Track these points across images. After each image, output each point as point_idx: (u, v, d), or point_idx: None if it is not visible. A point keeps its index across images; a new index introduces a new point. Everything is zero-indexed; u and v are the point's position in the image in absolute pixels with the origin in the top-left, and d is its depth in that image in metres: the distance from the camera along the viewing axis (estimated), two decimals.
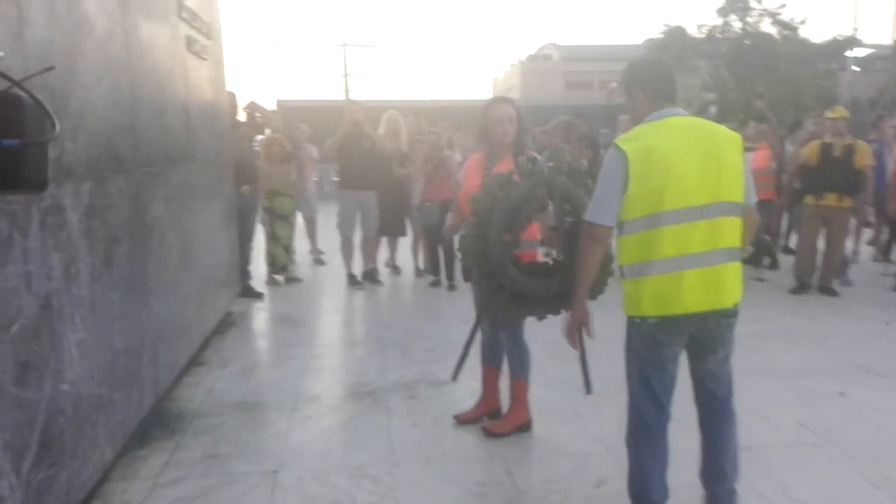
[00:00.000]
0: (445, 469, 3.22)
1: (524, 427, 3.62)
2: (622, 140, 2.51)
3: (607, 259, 3.20)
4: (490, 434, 3.57)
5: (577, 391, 4.08)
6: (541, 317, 3.41)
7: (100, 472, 2.96)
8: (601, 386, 4.22)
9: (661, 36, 33.77)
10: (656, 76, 2.61)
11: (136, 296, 3.48)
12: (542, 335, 5.21)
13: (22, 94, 1.44)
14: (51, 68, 1.94)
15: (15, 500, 2.22)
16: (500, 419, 3.70)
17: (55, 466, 2.51)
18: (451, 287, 6.96)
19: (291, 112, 12.37)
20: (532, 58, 50.64)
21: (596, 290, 3.33)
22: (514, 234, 3.18)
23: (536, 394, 4.03)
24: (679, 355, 2.62)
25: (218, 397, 4.12)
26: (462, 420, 3.74)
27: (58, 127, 1.40)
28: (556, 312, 3.36)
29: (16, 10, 2.32)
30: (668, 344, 2.56)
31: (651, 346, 2.58)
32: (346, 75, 35.01)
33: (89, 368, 2.87)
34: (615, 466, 3.20)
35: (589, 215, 2.57)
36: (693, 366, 2.70)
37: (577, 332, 2.95)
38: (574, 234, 2.98)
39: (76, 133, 2.82)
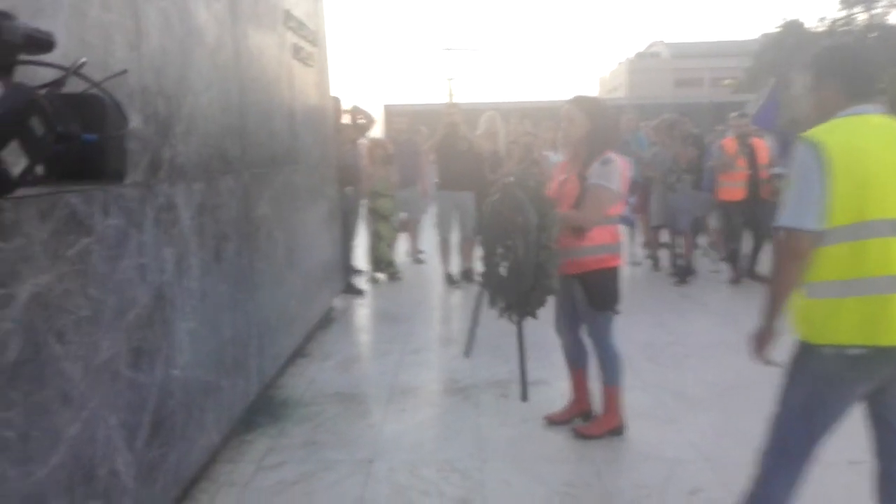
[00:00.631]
0: (534, 468, 3.22)
1: (616, 431, 3.55)
2: (820, 132, 2.14)
3: (540, 273, 3.29)
4: (580, 435, 3.54)
5: (673, 397, 4.00)
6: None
7: (207, 453, 3.16)
8: (700, 391, 4.11)
9: (777, 30, 32.13)
10: (858, 68, 2.23)
11: (243, 289, 3.68)
12: (639, 338, 5.13)
13: (101, 94, 1.57)
14: (124, 72, 2.10)
15: (129, 475, 2.41)
16: (591, 421, 3.65)
17: (165, 446, 2.70)
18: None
19: (397, 116, 12.71)
20: (640, 56, 49.39)
21: (534, 306, 3.41)
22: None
23: (631, 397, 3.95)
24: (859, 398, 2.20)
25: (319, 388, 4.29)
26: (553, 421, 3.72)
27: (130, 124, 1.51)
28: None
29: (133, 22, 2.52)
30: (858, 382, 2.14)
31: (835, 382, 2.15)
32: (449, 79, 35.50)
33: (198, 356, 3.07)
34: (712, 475, 3.10)
35: (787, 219, 2.11)
36: (883, 414, 2.23)
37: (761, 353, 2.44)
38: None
39: (188, 136, 3.03)
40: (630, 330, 5.38)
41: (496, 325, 3.85)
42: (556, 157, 7.27)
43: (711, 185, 7.74)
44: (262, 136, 4.12)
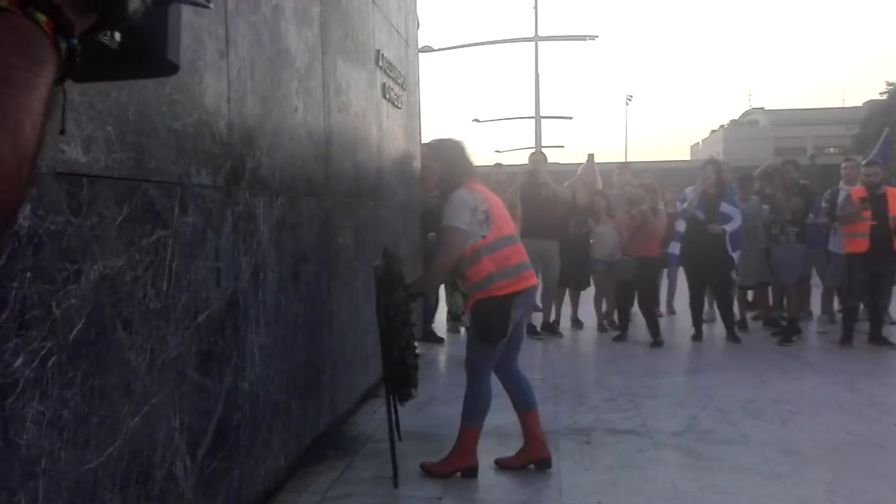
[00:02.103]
0: None
1: (467, 472, 3.35)
2: None
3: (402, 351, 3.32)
4: (427, 472, 3.38)
5: (779, 453, 3.62)
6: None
7: (272, 477, 3.04)
8: (808, 448, 3.70)
9: (883, 97, 30.91)
10: None
11: (319, 314, 3.63)
12: (740, 394, 4.73)
13: None
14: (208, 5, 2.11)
15: (188, 482, 2.32)
16: (441, 460, 3.42)
17: (229, 460, 2.61)
18: (657, 344, 6.54)
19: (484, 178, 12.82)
20: (736, 123, 48.35)
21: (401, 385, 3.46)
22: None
23: (732, 451, 3.64)
24: None
25: None
26: (502, 465, 3.48)
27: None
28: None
29: (223, 29, 2.57)
30: None
31: None
32: (540, 147, 35.71)
33: (269, 373, 2.99)
34: None
35: None
36: None
37: None
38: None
39: (273, 151, 3.04)
40: (730, 385, 5.01)
41: (581, 375, 3.63)
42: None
43: (819, 240, 7.26)
44: (346, 165, 4.14)
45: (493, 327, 3.26)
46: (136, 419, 2.04)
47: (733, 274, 6.86)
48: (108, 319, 1.92)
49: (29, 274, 1.61)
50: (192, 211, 2.36)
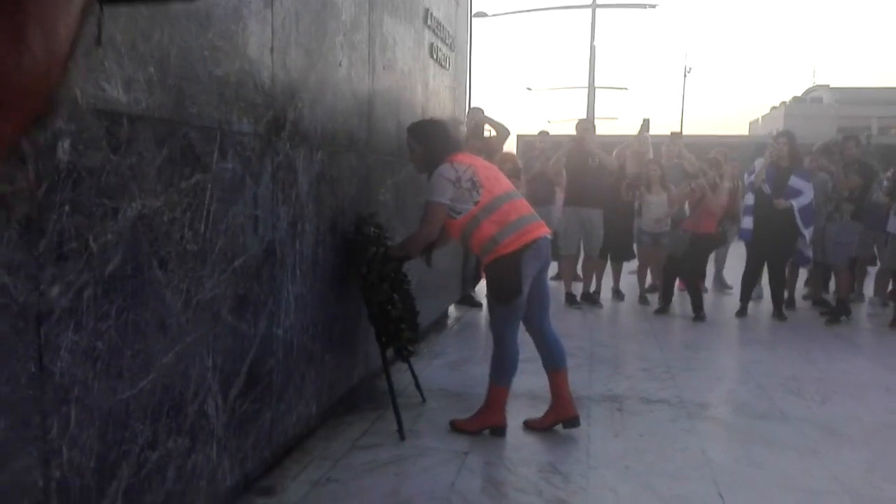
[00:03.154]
0: (646, 481, 2.91)
1: (496, 431, 3.40)
2: None
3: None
4: (455, 428, 3.43)
5: (817, 430, 3.55)
6: None
7: (303, 423, 3.11)
8: (848, 427, 3.62)
9: None
10: None
11: (356, 268, 3.65)
12: (782, 371, 4.63)
13: None
14: None
15: (219, 420, 2.39)
16: (470, 416, 3.46)
17: (260, 402, 2.67)
18: (699, 318, 6.43)
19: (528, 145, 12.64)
20: (797, 100, 46.56)
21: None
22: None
23: (768, 427, 3.58)
24: None
25: (425, 383, 4.15)
26: (529, 427, 3.51)
27: None
28: None
29: None
30: None
31: None
32: (593, 118, 35.07)
33: (304, 322, 3.04)
34: None
35: None
36: None
37: None
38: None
39: (314, 104, 3.05)
40: (772, 362, 4.90)
41: (618, 345, 3.60)
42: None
43: (876, 221, 6.99)
44: (389, 124, 4.13)
45: (506, 286, 3.28)
46: (170, 355, 2.10)
47: (808, 252, 6.59)
48: (145, 257, 1.97)
49: (67, 207, 1.66)
50: (232, 157, 2.39)
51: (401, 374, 4.31)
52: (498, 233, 3.26)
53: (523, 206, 3.40)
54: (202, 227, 2.23)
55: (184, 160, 2.12)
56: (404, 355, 3.57)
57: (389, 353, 3.55)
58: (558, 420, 3.46)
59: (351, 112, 3.51)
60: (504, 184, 3.43)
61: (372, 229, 3.51)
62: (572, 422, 3.44)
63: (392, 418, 3.41)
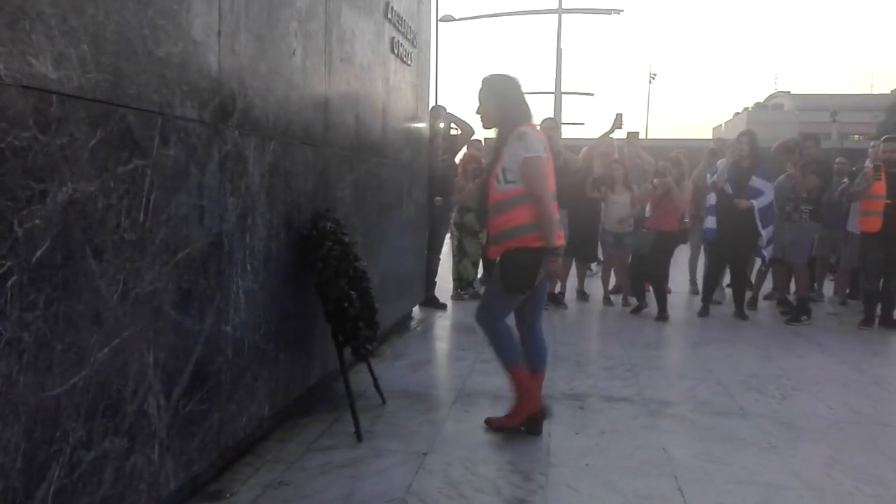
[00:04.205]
0: (606, 478, 2.85)
1: (535, 420, 3.33)
2: None
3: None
4: (494, 427, 3.35)
5: (777, 426, 3.54)
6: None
7: (255, 424, 2.99)
8: (808, 423, 3.62)
9: None
10: None
11: (311, 264, 3.55)
12: (743, 369, 4.64)
13: None
14: None
15: (161, 420, 2.27)
16: (507, 413, 3.38)
17: (207, 402, 2.55)
18: (662, 318, 6.43)
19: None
20: (760, 106, 47.54)
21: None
22: None
23: (729, 423, 3.56)
24: None
25: (385, 384, 4.06)
26: (493, 425, 3.42)
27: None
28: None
29: None
30: None
31: None
32: (561, 123, 35.34)
33: (256, 320, 2.93)
34: None
35: None
36: None
37: None
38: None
39: (266, 93, 2.95)
40: (732, 360, 4.92)
41: (582, 345, 3.55)
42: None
43: (836, 221, 7.09)
44: (347, 118, 4.04)
45: (522, 278, 3.21)
46: (105, 351, 1.98)
47: (765, 252, 6.64)
48: (77, 245, 1.85)
49: None
50: (175, 143, 2.28)
51: (361, 375, 4.21)
52: (532, 223, 3.18)
53: (557, 213, 3.32)
54: (141, 215, 2.11)
55: (121, 144, 2.01)
56: (362, 354, 3.47)
57: (347, 352, 3.45)
58: (526, 418, 3.40)
59: (306, 103, 3.41)
60: (554, 182, 3.31)
61: (328, 224, 3.40)
62: (539, 416, 3.38)
63: (350, 420, 3.31)
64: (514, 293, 3.26)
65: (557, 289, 7.17)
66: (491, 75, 3.43)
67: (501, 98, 3.33)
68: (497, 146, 3.33)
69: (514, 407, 3.38)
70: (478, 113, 3.44)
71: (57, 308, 1.78)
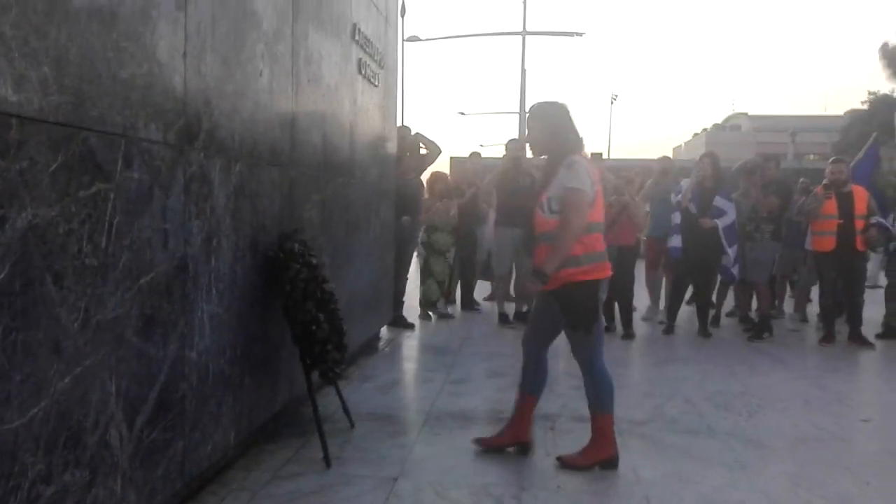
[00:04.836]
0: (577, 500, 2.86)
1: (608, 463, 3.20)
2: None
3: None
4: (566, 465, 3.20)
5: (744, 444, 3.58)
6: None
7: (220, 453, 2.92)
8: (774, 441, 3.67)
9: (864, 107, 31.28)
10: None
11: (279, 289, 3.50)
12: (708, 387, 4.70)
13: None
14: None
15: (123, 451, 2.20)
16: (580, 451, 3.28)
17: (171, 431, 2.49)
18: (628, 336, 6.48)
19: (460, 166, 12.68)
20: (718, 127, 48.70)
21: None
22: None
23: (696, 442, 3.61)
24: None
25: (353, 407, 4.00)
26: (484, 445, 3.39)
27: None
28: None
29: None
30: None
31: None
32: (524, 140, 35.62)
33: (221, 344, 2.87)
34: None
35: None
36: None
37: None
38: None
39: (232, 114, 2.92)
40: (698, 378, 4.97)
41: (550, 364, 3.55)
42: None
43: (796, 240, 7.26)
44: (314, 137, 4.01)
45: (587, 313, 3.16)
46: (66, 380, 1.91)
47: (734, 270, 6.74)
48: (37, 272, 1.79)
49: None
50: (138, 166, 2.24)
51: (328, 398, 4.15)
52: (584, 255, 3.12)
53: (603, 242, 3.29)
54: (103, 240, 2.06)
55: (83, 167, 1.96)
56: (330, 377, 3.42)
57: (315, 376, 3.40)
58: (515, 441, 3.38)
59: (272, 124, 3.38)
60: (602, 213, 3.28)
61: (296, 246, 3.37)
62: (527, 447, 3.38)
63: (318, 445, 3.25)
64: (585, 330, 3.18)
65: (525, 307, 7.19)
66: (540, 103, 3.39)
67: (551, 126, 3.27)
68: (546, 174, 3.28)
69: (587, 447, 3.28)
70: (528, 141, 3.39)
71: (15, 337, 1.72)
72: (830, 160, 6.79)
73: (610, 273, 3.30)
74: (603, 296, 3.27)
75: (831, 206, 6.31)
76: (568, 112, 3.33)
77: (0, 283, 1.67)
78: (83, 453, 2.01)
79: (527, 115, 3.38)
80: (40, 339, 1.81)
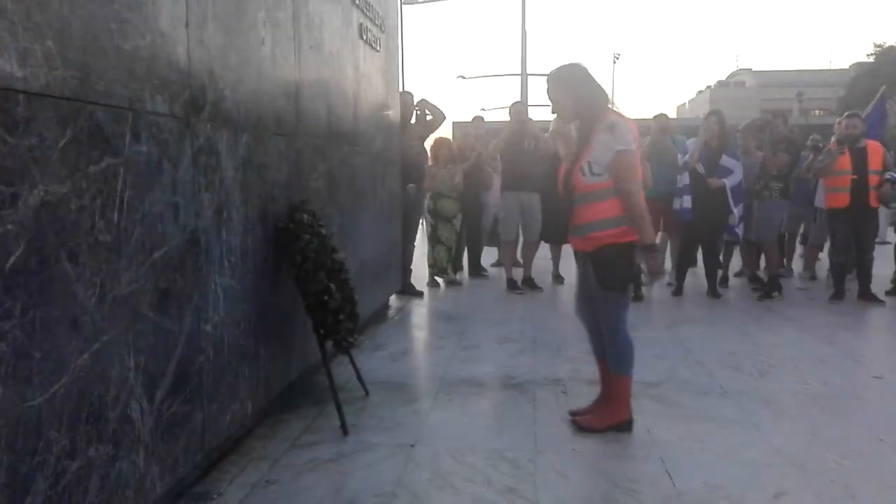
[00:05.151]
0: (594, 463, 2.88)
1: (623, 426, 3.20)
2: None
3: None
4: (581, 427, 3.21)
5: (757, 403, 3.59)
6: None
7: (238, 423, 2.94)
8: (786, 399, 3.68)
9: (870, 59, 30.83)
10: None
11: (290, 259, 3.49)
12: (720, 347, 4.70)
13: None
14: None
15: (144, 425, 2.21)
16: (595, 413, 3.28)
17: (190, 403, 2.50)
18: (637, 298, 6.44)
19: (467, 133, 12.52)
20: (722, 84, 48.10)
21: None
22: None
23: (709, 402, 3.62)
24: None
25: (366, 376, 4.02)
26: (576, 417, 3.34)
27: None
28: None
29: None
30: None
31: None
32: (528, 105, 35.31)
33: (236, 316, 2.88)
34: (799, 481, 2.70)
35: None
36: None
37: None
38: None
39: (236, 85, 2.87)
40: (709, 339, 4.98)
41: (560, 328, 3.54)
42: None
43: (804, 198, 7.21)
44: (318, 106, 3.97)
45: (625, 273, 3.15)
46: (85, 356, 1.92)
47: (737, 229, 6.70)
48: (52, 249, 1.78)
49: None
50: (146, 139, 2.21)
51: (342, 367, 4.18)
52: (620, 217, 3.07)
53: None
54: (115, 215, 2.05)
55: (91, 142, 1.94)
56: (344, 347, 3.43)
57: (329, 345, 3.41)
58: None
59: (277, 93, 3.34)
60: (640, 172, 3.18)
61: (305, 216, 3.35)
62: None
63: (334, 414, 3.28)
64: (621, 290, 3.17)
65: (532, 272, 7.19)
66: (556, 69, 3.29)
67: (574, 90, 3.17)
68: (582, 137, 3.18)
69: (602, 407, 3.30)
70: (554, 112, 3.30)
71: (34, 315, 1.72)
72: (844, 115, 6.68)
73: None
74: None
75: (845, 162, 6.23)
76: (587, 71, 3.24)
77: (16, 261, 1.66)
78: (105, 428, 2.02)
79: (546, 85, 3.26)
80: (58, 317, 1.81)
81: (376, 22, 5.30)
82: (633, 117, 3.36)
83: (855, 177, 6.17)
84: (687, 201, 6.59)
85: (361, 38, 4.88)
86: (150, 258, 2.24)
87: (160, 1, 2.29)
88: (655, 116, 7.54)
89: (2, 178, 1.62)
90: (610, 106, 3.22)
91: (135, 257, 2.15)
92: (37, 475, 1.75)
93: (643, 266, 3.21)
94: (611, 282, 3.13)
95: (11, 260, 1.65)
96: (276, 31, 3.29)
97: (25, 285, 1.69)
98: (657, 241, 7.41)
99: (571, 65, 3.27)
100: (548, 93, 3.26)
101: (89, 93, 1.93)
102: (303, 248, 3.23)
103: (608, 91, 3.29)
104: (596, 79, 3.21)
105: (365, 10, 4.95)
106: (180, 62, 2.42)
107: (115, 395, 2.06)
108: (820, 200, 7.02)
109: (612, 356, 3.25)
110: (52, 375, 1.79)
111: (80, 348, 1.90)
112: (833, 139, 6.77)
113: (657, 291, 6.98)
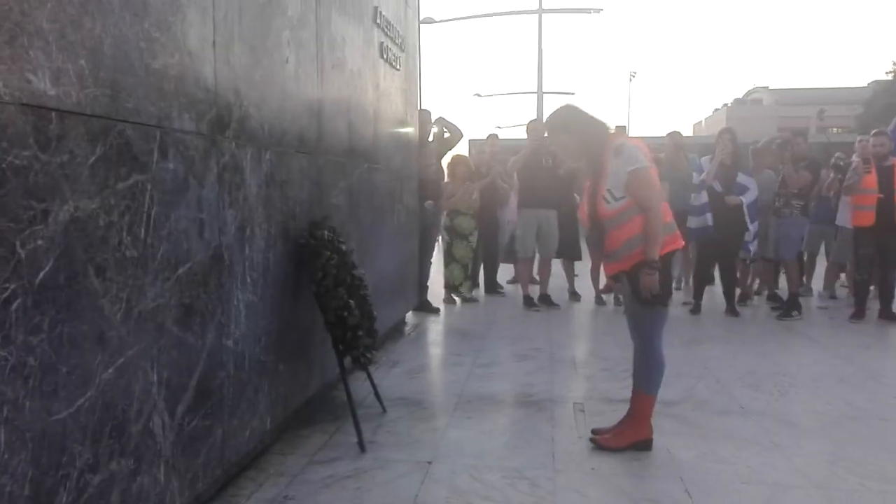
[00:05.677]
0: (614, 481, 2.85)
1: (643, 445, 3.18)
2: None
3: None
4: (599, 446, 3.20)
5: (778, 424, 3.55)
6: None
7: (257, 438, 2.95)
8: (808, 420, 3.63)
9: (888, 77, 30.62)
10: None
11: (310, 274, 3.51)
12: (739, 366, 4.66)
13: None
14: None
15: (166, 439, 2.23)
16: (614, 431, 3.27)
17: (211, 419, 2.52)
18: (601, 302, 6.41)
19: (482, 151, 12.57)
20: (739, 102, 47.95)
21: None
22: None
23: (729, 422, 3.57)
24: None
25: (383, 392, 4.02)
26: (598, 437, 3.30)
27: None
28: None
29: None
30: None
31: None
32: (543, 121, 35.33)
33: (256, 332, 2.89)
34: (822, 503, 2.64)
35: None
36: None
37: None
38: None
39: (261, 103, 2.91)
40: (728, 357, 4.94)
41: (577, 346, 3.53)
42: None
43: (825, 216, 7.16)
44: (339, 124, 4.01)
45: (661, 288, 3.12)
46: (110, 371, 1.94)
47: (751, 246, 6.67)
48: (80, 264, 1.81)
49: None
50: (173, 157, 2.25)
51: (359, 383, 4.18)
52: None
53: (669, 211, 3.25)
54: (142, 231, 2.08)
55: (120, 159, 1.97)
56: (362, 363, 3.44)
57: (347, 361, 3.42)
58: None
59: (300, 111, 3.38)
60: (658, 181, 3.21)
61: (325, 233, 3.37)
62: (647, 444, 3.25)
63: (351, 430, 3.28)
64: (659, 305, 3.17)
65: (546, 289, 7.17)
66: (550, 118, 3.40)
67: (573, 131, 3.25)
68: (595, 169, 3.20)
69: (623, 425, 3.28)
70: (563, 157, 3.38)
71: (61, 329, 1.74)
72: (872, 133, 6.63)
73: (682, 243, 3.28)
74: (676, 268, 3.24)
75: (871, 180, 6.18)
76: (579, 109, 3.34)
77: (45, 276, 1.69)
78: (128, 442, 2.04)
79: (547, 135, 3.37)
80: (85, 331, 1.84)
81: (396, 41, 5.36)
82: (646, 135, 3.41)
83: (881, 196, 6.11)
84: (709, 219, 6.54)
85: (382, 56, 4.93)
86: (175, 274, 2.27)
87: (188, 21, 2.33)
88: (669, 133, 7.53)
89: (34, 195, 1.65)
90: (611, 131, 3.28)
91: (160, 273, 2.18)
92: (59, 489, 1.76)
93: (640, 280, 3.17)
94: (652, 297, 3.13)
95: (41, 275, 1.68)
96: (299, 51, 3.33)
97: (54, 300, 1.72)
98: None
99: (563, 108, 3.40)
100: (552, 141, 3.36)
101: (119, 110, 1.97)
102: (323, 264, 3.25)
103: (613, 117, 3.37)
104: (590, 112, 3.30)
105: (386, 29, 5.00)
106: (207, 81, 2.46)
107: (137, 409, 2.08)
108: (842, 219, 6.96)
109: (643, 373, 3.25)
110: (77, 389, 1.81)
111: (106, 362, 1.92)
112: (854, 157, 6.72)
113: (673, 309, 6.92)
